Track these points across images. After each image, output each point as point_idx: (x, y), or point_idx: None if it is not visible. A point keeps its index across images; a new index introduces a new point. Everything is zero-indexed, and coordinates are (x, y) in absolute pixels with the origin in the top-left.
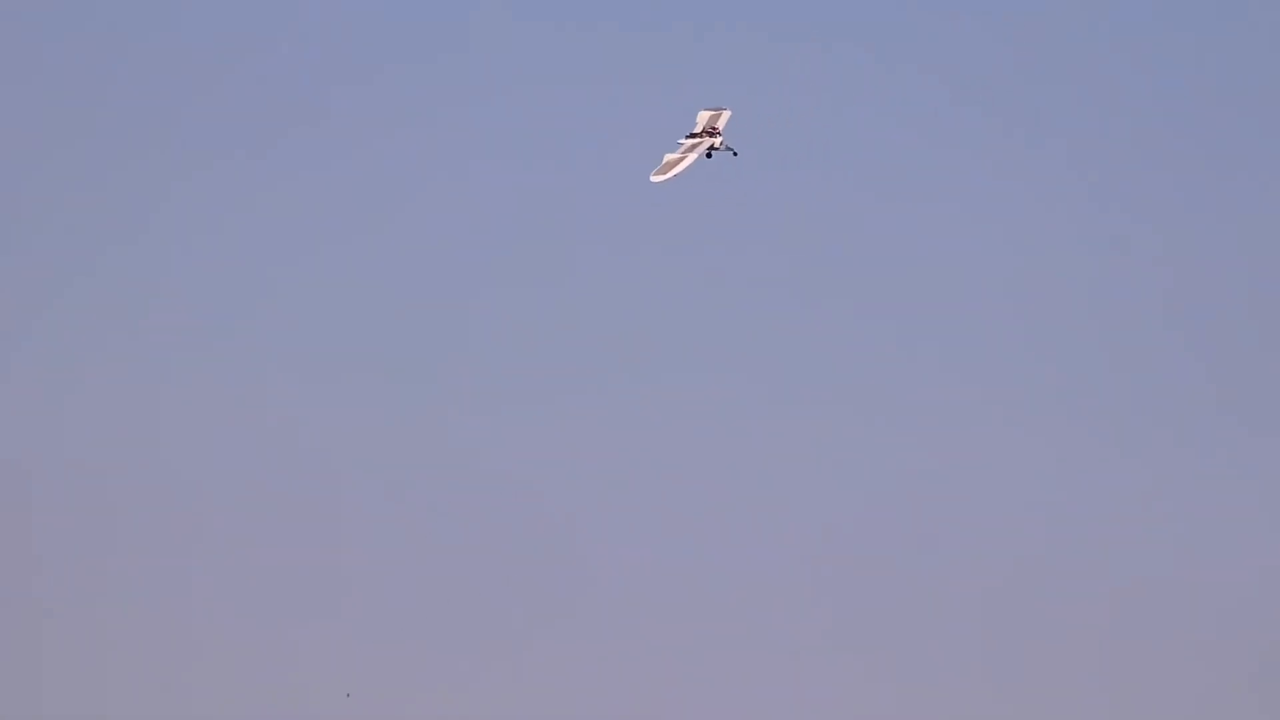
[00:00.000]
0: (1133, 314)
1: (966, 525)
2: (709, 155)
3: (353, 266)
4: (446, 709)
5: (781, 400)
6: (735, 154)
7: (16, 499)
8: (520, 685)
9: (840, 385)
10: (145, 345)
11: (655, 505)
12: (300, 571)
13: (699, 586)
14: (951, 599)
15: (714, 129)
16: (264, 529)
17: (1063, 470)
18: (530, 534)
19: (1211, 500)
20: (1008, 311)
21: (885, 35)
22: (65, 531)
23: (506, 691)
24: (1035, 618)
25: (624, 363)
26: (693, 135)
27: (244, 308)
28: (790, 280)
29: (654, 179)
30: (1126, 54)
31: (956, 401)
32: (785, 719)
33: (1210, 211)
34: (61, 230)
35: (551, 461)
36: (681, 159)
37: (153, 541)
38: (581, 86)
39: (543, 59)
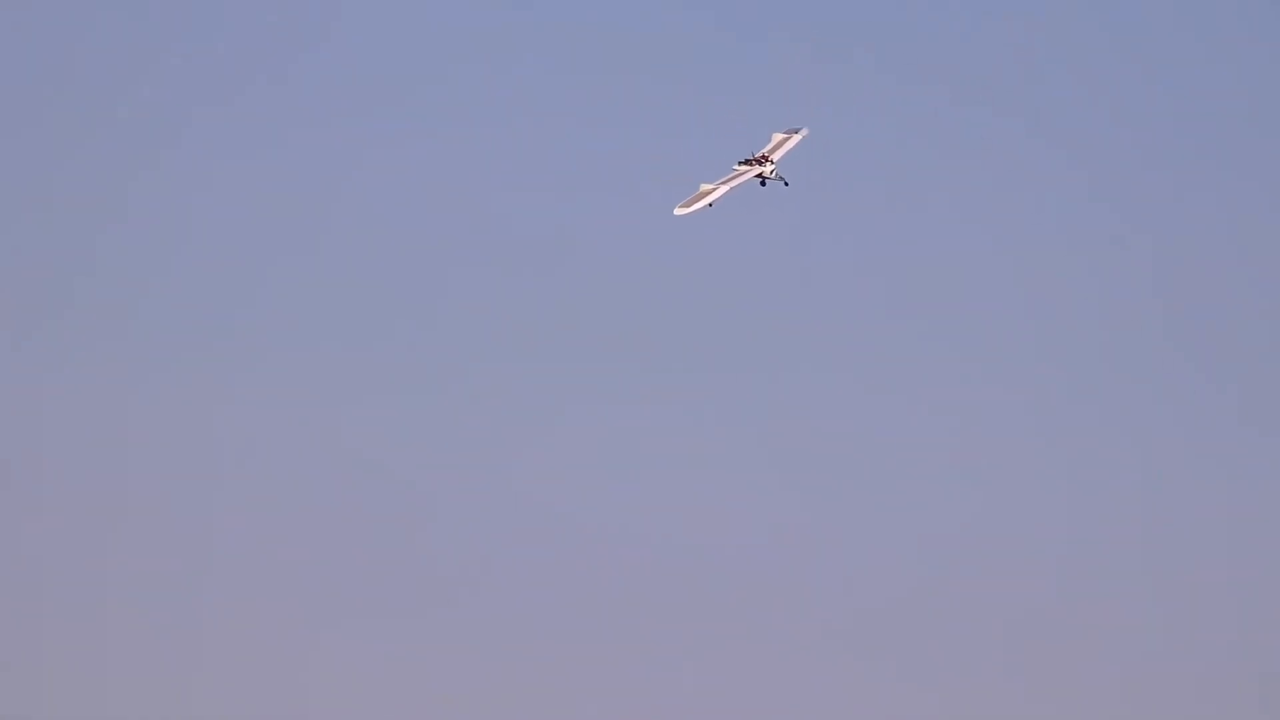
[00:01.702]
0: (1142, 317)
1: (971, 528)
2: (762, 183)
3: (353, 267)
4: (449, 710)
5: (783, 403)
6: (787, 184)
7: (12, 500)
8: (522, 685)
9: (843, 387)
10: (137, 345)
11: (656, 508)
12: (301, 573)
13: (701, 589)
14: (956, 602)
15: (766, 156)
16: (264, 530)
17: (1069, 474)
18: (529, 535)
19: (1217, 503)
20: (1013, 311)
21: (887, 38)
22: (60, 533)
23: (509, 691)
24: (1040, 621)
25: (627, 363)
26: (746, 161)
27: (242, 309)
28: (791, 281)
29: (678, 212)
30: (1130, 55)
31: (957, 402)
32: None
33: (1218, 211)
34: (40, 226)
35: (552, 463)
36: (714, 189)
37: (151, 542)
38: (593, 104)
39: (557, 72)
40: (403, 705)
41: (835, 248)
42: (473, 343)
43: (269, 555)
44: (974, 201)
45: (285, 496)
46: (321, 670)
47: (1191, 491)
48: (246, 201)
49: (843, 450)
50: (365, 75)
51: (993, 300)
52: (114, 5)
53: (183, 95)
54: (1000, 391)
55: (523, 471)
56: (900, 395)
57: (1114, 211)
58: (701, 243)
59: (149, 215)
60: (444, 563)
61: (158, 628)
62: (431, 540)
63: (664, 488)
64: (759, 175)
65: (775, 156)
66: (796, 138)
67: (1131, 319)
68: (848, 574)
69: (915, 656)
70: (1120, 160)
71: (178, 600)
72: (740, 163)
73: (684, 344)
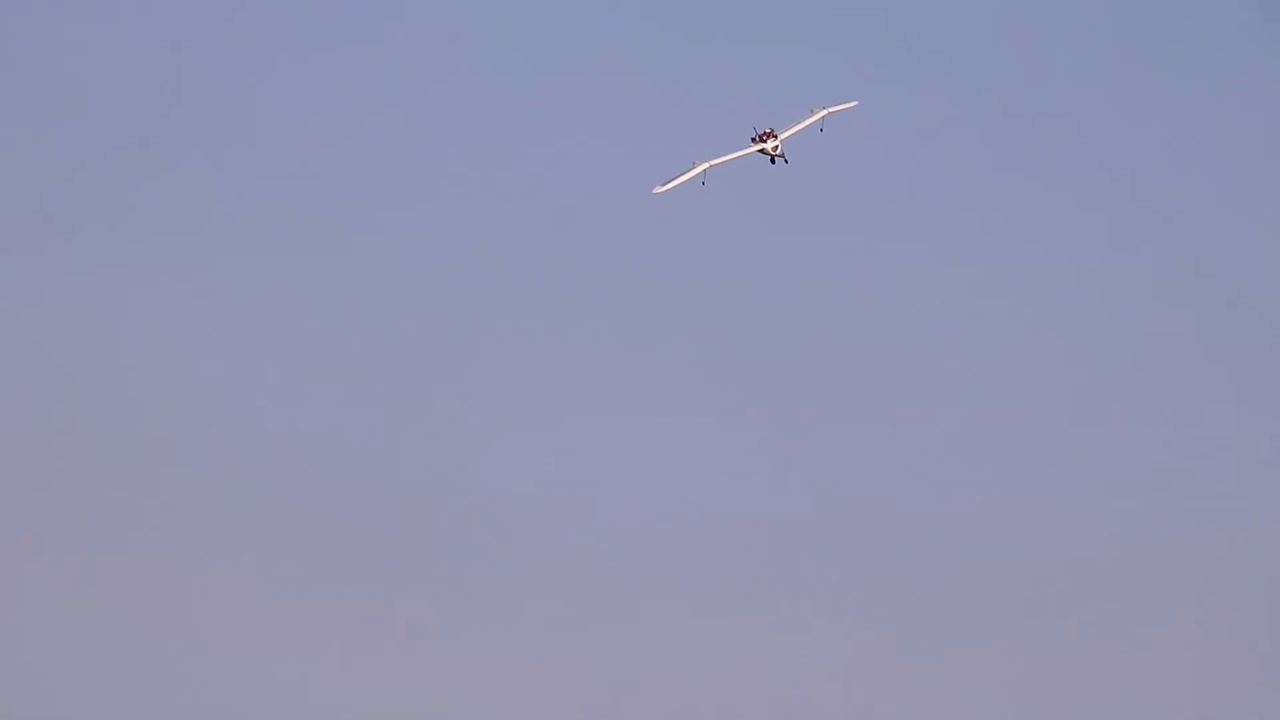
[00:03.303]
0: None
1: (972, 523)
2: (771, 161)
3: (348, 264)
4: (453, 709)
5: (781, 403)
6: (787, 162)
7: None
8: (518, 683)
9: (843, 386)
10: (132, 342)
11: (658, 510)
12: (297, 571)
13: (701, 591)
14: (956, 602)
15: (769, 133)
16: (269, 533)
17: (1073, 470)
18: (530, 538)
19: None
20: (1014, 307)
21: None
22: (62, 532)
23: (508, 691)
24: (1043, 619)
25: (626, 361)
26: (755, 138)
27: (239, 315)
28: (789, 283)
29: (657, 190)
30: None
31: (960, 404)
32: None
33: (1236, 212)
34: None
35: (550, 467)
36: (703, 166)
37: (146, 538)
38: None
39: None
40: (409, 705)
41: (843, 244)
42: (470, 340)
43: (263, 552)
44: (976, 199)
45: (282, 494)
46: (319, 669)
47: (1200, 488)
48: (242, 200)
49: (843, 447)
50: (363, 73)
51: (1004, 298)
52: (113, 4)
53: (182, 93)
54: (1003, 389)
55: (520, 467)
56: (903, 395)
57: (1129, 210)
58: (702, 244)
59: (146, 213)
60: (437, 558)
61: (149, 623)
62: (425, 536)
63: (662, 484)
64: (762, 151)
65: (783, 134)
66: (822, 113)
67: (1143, 317)
68: (846, 571)
69: (917, 652)
70: (1146, 157)
71: (168, 597)
72: (753, 139)
73: (685, 342)
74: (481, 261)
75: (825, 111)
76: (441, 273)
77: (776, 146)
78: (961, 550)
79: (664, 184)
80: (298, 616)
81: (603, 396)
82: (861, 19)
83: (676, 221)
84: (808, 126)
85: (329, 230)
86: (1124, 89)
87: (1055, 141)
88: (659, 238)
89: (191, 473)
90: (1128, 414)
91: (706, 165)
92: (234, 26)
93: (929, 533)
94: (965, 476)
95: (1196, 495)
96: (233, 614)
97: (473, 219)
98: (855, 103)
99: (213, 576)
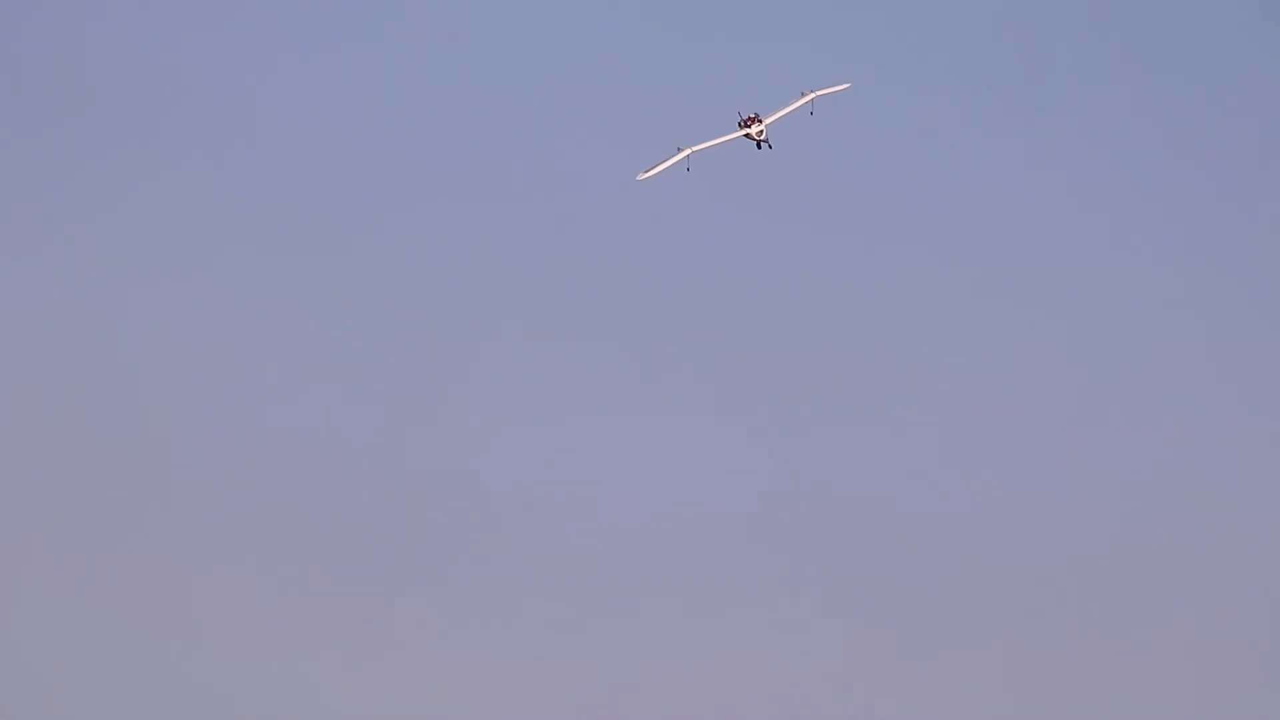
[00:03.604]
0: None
1: (970, 520)
2: (757, 146)
3: (349, 261)
4: (453, 709)
5: (780, 402)
6: (771, 148)
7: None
8: (522, 686)
9: (843, 385)
10: (130, 339)
11: (657, 509)
12: (304, 574)
13: (701, 590)
14: (955, 600)
15: (754, 117)
16: (269, 532)
17: (1074, 468)
18: (530, 537)
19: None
20: (1014, 307)
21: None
22: (63, 532)
23: (505, 691)
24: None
25: (627, 358)
26: (741, 123)
27: (239, 314)
28: (789, 282)
29: (640, 178)
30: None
31: (960, 403)
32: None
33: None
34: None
35: (549, 468)
36: (685, 152)
37: (145, 532)
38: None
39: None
40: (397, 703)
41: (843, 243)
42: (470, 340)
43: (263, 552)
44: (975, 198)
45: (282, 494)
46: (319, 669)
47: (1200, 488)
48: (242, 200)
49: (842, 446)
50: (363, 73)
51: (1003, 298)
52: (113, 4)
53: (182, 93)
54: (1003, 389)
55: (520, 467)
56: (903, 394)
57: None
58: (703, 243)
59: (146, 213)
60: (437, 557)
61: (149, 623)
62: (425, 535)
63: (662, 483)
64: (747, 135)
65: (771, 118)
66: (811, 96)
67: (1143, 317)
68: (843, 570)
69: (918, 651)
70: (1151, 156)
71: (165, 593)
72: (740, 125)
73: (685, 341)
74: (481, 261)
75: (814, 94)
76: (441, 273)
77: (761, 131)
78: (961, 550)
79: (647, 170)
80: (298, 616)
81: (603, 396)
82: (862, 19)
83: (677, 221)
84: (797, 109)
85: (329, 230)
86: (1124, 89)
87: (1055, 141)
88: (659, 237)
89: (191, 472)
90: (1128, 414)
91: (689, 151)
92: (234, 26)
93: (929, 532)
94: (965, 476)
95: (1196, 495)
96: (233, 614)
97: (473, 219)
98: (848, 85)
99: (213, 576)
